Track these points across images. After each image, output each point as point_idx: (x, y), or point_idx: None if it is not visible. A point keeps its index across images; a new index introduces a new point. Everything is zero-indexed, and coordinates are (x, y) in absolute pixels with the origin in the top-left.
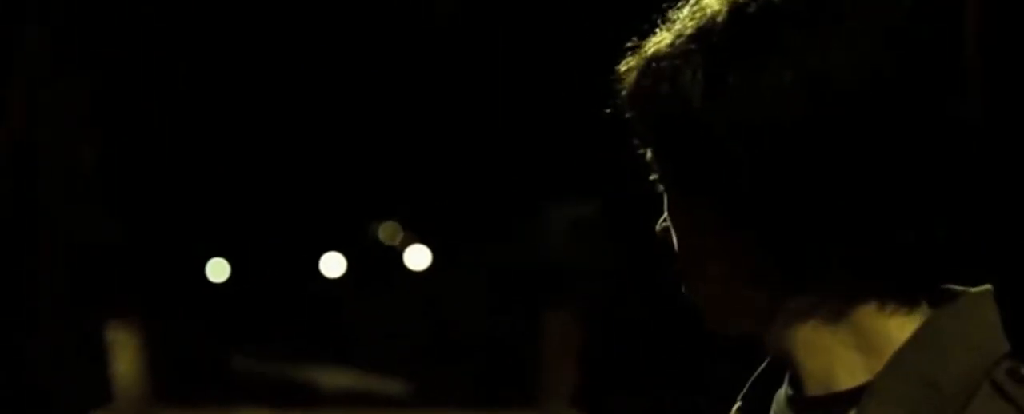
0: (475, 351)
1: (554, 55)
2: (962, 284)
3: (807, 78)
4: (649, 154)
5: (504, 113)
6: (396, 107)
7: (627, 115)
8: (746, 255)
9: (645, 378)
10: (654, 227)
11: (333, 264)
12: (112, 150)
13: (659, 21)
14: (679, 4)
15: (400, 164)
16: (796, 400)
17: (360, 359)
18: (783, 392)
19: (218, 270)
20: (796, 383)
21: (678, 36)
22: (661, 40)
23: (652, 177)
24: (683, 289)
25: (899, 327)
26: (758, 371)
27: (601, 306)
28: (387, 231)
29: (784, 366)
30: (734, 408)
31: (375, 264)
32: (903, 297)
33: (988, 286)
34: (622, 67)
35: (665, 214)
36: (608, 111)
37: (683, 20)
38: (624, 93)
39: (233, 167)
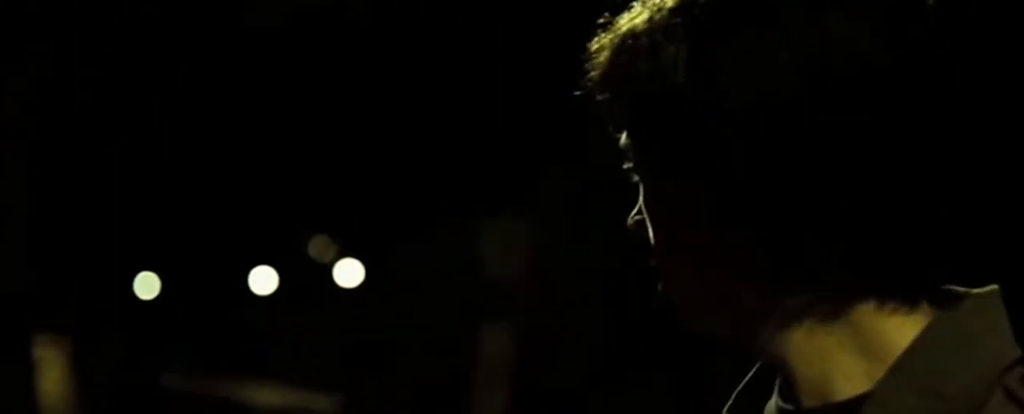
0: (408, 368)
1: (488, 72)
2: (964, 285)
3: (804, 55)
4: (623, 139)
5: (438, 125)
6: (329, 118)
7: (599, 97)
8: (734, 249)
9: (587, 393)
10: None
11: (264, 279)
12: (38, 162)
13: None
14: None
15: (334, 176)
16: (789, 412)
17: (291, 376)
18: (773, 403)
19: (147, 286)
20: (789, 393)
21: (657, 10)
22: (637, 15)
23: (626, 166)
24: (659, 288)
25: (900, 330)
26: (745, 380)
27: (537, 322)
28: (318, 246)
29: (774, 374)
30: None
31: (306, 279)
32: (905, 297)
33: (994, 287)
34: (594, 45)
35: (639, 206)
36: (559, 109)
37: None
38: (596, 73)
39: (162, 180)
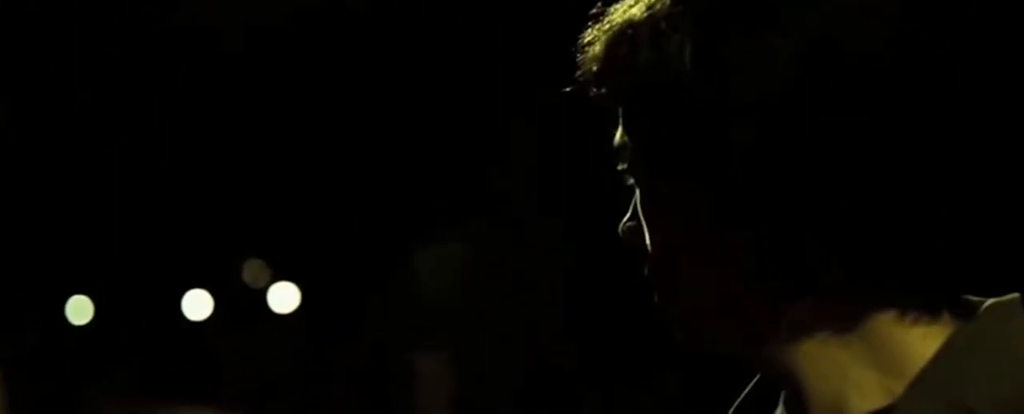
0: (345, 395)
1: (422, 98)
2: (980, 294)
3: (811, 46)
4: (618, 138)
5: (372, 148)
6: (261, 140)
7: (593, 92)
8: (737, 252)
9: None
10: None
11: (198, 304)
12: None
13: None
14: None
15: (270, 199)
16: None
17: (228, 401)
18: None
19: (80, 310)
20: (796, 408)
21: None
22: (633, 5)
23: (620, 167)
24: (655, 299)
25: (922, 341)
26: (742, 395)
27: (476, 347)
28: (252, 270)
29: (776, 388)
30: None
31: (241, 304)
32: (925, 307)
33: (1015, 295)
34: (586, 37)
35: (631, 212)
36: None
37: None
38: (590, 65)
39: (96, 203)
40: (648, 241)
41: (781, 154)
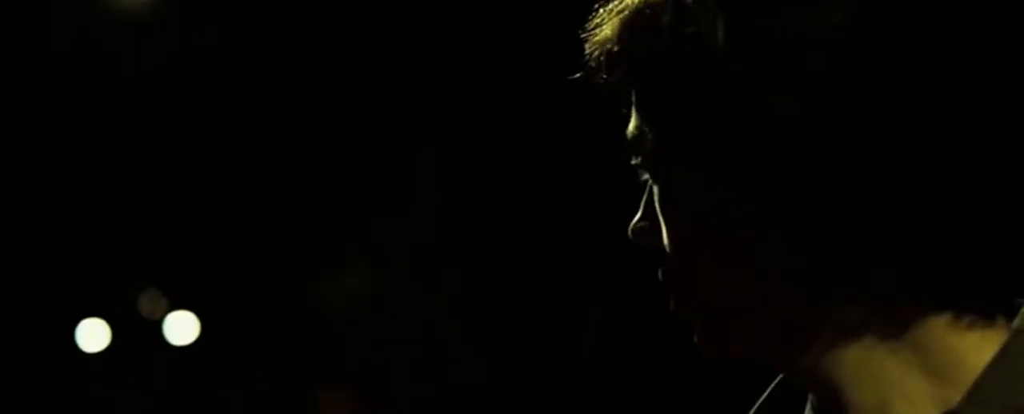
0: None
1: (316, 126)
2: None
3: (863, 15)
4: (632, 127)
5: (270, 175)
6: (158, 167)
7: (606, 76)
8: (782, 254)
9: None
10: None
11: (93, 335)
12: None
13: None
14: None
15: (165, 226)
16: None
17: None
18: None
19: None
20: None
21: None
22: None
23: (634, 161)
24: (672, 306)
25: (977, 347)
26: (762, 399)
27: (378, 375)
28: (149, 300)
29: (799, 393)
30: None
31: (137, 334)
32: (980, 310)
33: None
34: (596, 20)
35: (644, 211)
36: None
37: None
38: (601, 50)
39: None
40: (667, 241)
41: (832, 139)
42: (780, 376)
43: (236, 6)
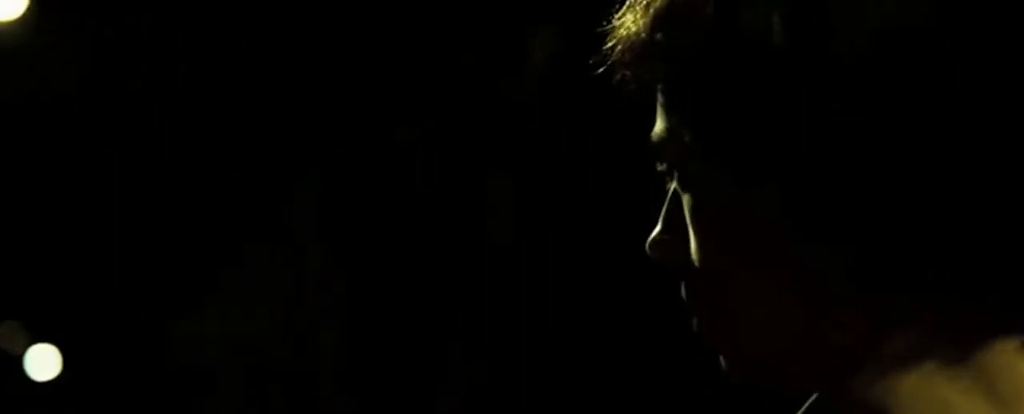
0: None
1: (187, 151)
2: None
3: (946, 16)
4: (660, 127)
5: (133, 207)
6: (15, 197)
7: (632, 71)
8: (828, 265)
9: None
10: None
11: None
12: None
13: None
14: None
15: (25, 257)
16: None
17: None
18: None
19: None
20: None
21: None
22: None
23: (660, 167)
24: (696, 326)
25: None
26: None
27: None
28: (7, 334)
29: None
30: None
31: None
32: None
33: None
34: (618, 16)
35: (664, 223)
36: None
37: None
38: (628, 44)
39: None
40: (696, 255)
41: (903, 138)
42: (813, 397)
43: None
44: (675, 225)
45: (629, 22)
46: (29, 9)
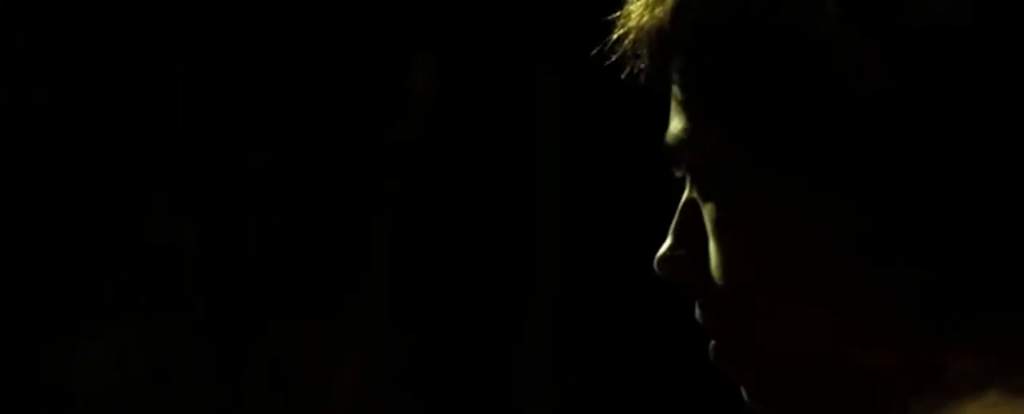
0: None
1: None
2: None
3: (1003, 13)
4: (679, 126)
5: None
6: None
7: (652, 63)
8: (881, 279)
9: None
10: None
11: None
12: None
13: None
14: None
15: None
16: None
17: None
18: None
19: None
20: None
21: None
22: None
23: (678, 172)
24: (715, 353)
25: None
26: None
27: None
28: None
29: None
30: None
31: None
32: None
33: None
34: (628, 5)
35: (676, 237)
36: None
37: None
38: (646, 35)
39: None
40: (718, 271)
41: (980, 138)
42: None
43: None
44: (689, 239)
45: (642, 9)
46: None
